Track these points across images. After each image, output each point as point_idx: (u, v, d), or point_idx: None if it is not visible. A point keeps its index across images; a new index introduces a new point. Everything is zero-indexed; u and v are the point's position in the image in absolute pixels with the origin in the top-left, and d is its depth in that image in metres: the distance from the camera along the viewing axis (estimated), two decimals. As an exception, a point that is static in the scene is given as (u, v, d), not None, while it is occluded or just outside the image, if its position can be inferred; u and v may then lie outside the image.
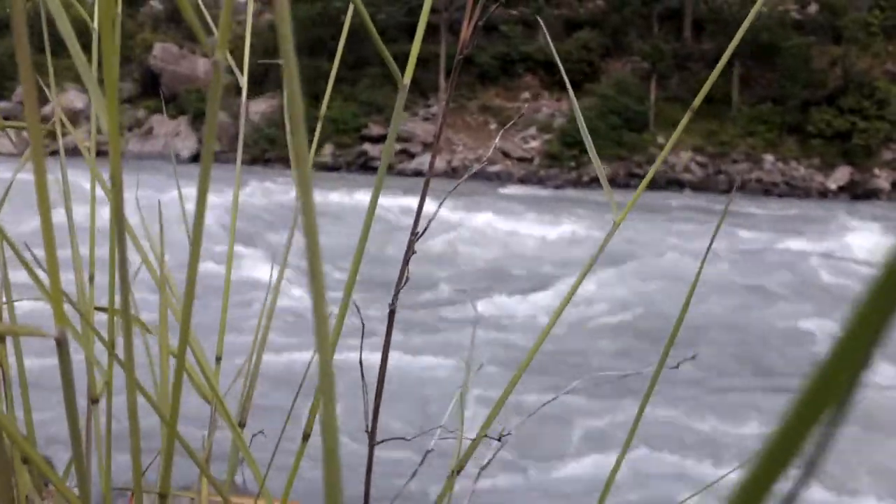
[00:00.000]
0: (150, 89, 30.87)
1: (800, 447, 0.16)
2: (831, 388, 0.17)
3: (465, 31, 0.65)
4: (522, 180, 26.44)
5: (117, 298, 0.60)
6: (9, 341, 0.70)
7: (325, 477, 0.24)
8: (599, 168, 0.80)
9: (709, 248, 0.63)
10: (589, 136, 0.80)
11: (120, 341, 0.68)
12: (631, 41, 29.89)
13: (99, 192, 0.85)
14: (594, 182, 26.24)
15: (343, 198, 16.64)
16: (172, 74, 31.49)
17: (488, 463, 1.01)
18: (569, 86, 0.91)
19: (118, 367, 0.69)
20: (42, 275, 0.53)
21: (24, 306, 0.69)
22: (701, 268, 0.61)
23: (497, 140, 0.73)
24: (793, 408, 0.16)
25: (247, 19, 0.82)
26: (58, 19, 0.42)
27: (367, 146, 28.52)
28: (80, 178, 0.96)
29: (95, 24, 0.71)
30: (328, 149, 26.73)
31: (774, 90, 27.40)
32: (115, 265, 0.68)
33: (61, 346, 0.41)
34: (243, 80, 0.78)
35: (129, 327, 0.42)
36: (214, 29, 0.79)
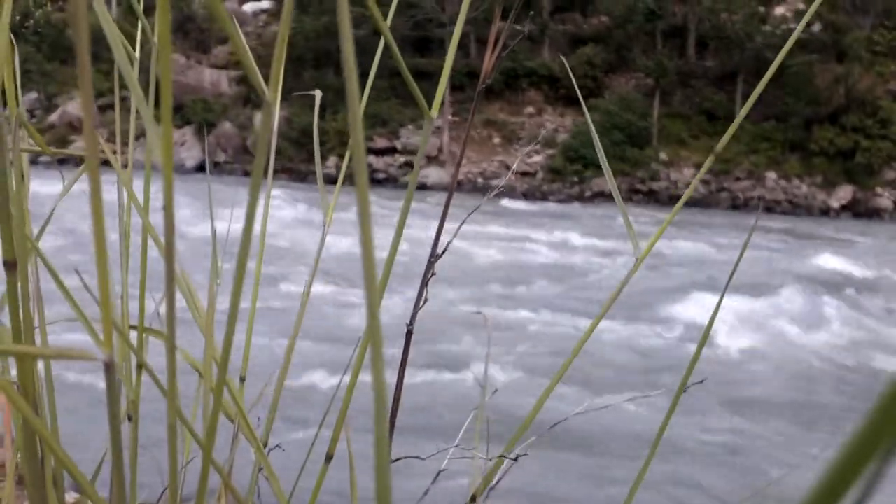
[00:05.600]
0: (156, 99, 31.01)
1: (853, 482, 0.18)
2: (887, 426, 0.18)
3: (488, 62, 0.67)
4: (526, 194, 26.49)
5: (152, 318, 0.61)
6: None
7: (377, 487, 0.25)
8: (617, 196, 0.82)
9: (732, 273, 0.65)
10: (604, 156, 0.82)
11: (148, 359, 0.69)
12: (635, 57, 30.03)
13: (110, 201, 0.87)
14: (596, 197, 26.28)
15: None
16: (178, 84, 31.65)
17: (498, 481, 1.02)
18: (583, 101, 0.92)
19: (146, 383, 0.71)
20: (79, 298, 0.55)
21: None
22: (722, 295, 0.62)
23: (515, 165, 0.75)
24: (847, 445, 0.18)
25: (281, 32, 0.83)
26: (115, 52, 0.44)
27: (371, 158, 28.60)
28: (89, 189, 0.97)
29: (154, 61, 0.73)
30: (332, 161, 26.81)
31: (778, 108, 27.47)
32: (144, 284, 0.69)
33: (109, 369, 0.42)
34: (275, 109, 0.79)
35: (172, 353, 0.43)
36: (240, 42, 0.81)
